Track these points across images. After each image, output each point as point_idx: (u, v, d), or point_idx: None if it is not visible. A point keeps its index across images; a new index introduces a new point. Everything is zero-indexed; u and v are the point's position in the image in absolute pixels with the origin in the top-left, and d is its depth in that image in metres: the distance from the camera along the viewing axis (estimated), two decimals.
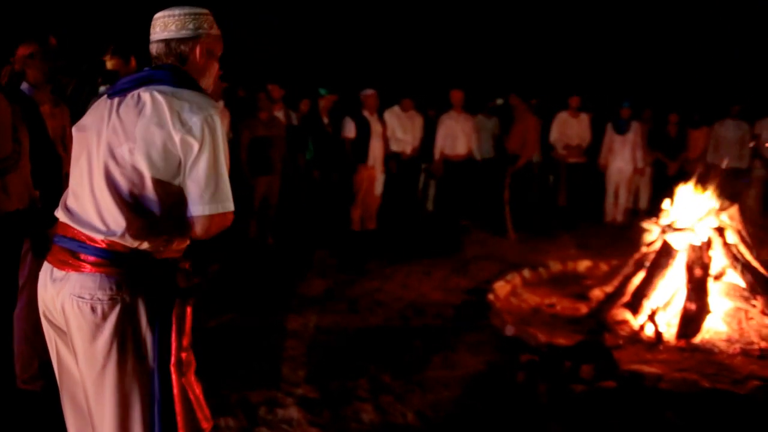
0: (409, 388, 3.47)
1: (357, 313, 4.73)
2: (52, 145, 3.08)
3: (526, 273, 5.76)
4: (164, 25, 1.91)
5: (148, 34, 1.98)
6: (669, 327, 4.38)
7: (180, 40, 1.92)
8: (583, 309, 4.96)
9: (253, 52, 10.75)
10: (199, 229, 1.82)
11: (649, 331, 4.36)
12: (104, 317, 1.76)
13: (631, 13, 12.78)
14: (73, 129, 1.97)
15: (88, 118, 1.93)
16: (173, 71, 1.89)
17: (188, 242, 1.95)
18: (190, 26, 1.92)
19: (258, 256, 6.30)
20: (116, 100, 1.86)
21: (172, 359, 1.83)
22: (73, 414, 1.99)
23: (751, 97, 8.98)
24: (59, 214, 1.89)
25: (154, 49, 1.94)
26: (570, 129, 8.55)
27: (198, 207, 1.79)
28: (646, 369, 3.72)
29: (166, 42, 1.92)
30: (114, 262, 1.78)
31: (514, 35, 12.96)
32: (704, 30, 12.26)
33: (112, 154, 1.79)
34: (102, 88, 3.75)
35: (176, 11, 1.91)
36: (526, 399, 3.40)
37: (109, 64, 3.75)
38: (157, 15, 1.93)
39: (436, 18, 12.88)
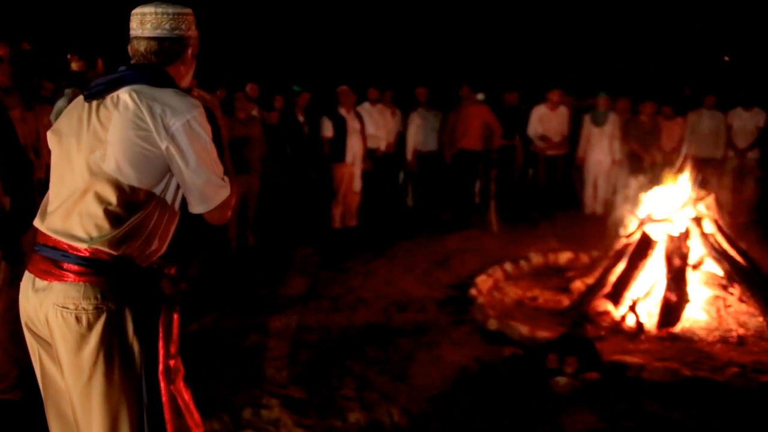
0: (394, 386, 3.47)
1: (340, 311, 4.71)
2: (23, 150, 3.00)
3: (508, 266, 5.78)
4: (157, 23, 1.84)
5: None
6: (650, 317, 4.43)
7: (173, 40, 1.87)
8: (565, 301, 5.00)
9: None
10: (208, 221, 1.89)
11: (630, 321, 4.41)
12: (90, 327, 1.73)
13: (607, 5, 12.89)
14: (48, 133, 1.90)
15: (64, 122, 1.87)
16: (154, 70, 1.84)
17: (166, 247, 1.92)
18: (183, 26, 1.88)
19: (238, 255, 6.25)
20: (94, 103, 1.81)
21: (160, 367, 1.81)
22: (58, 425, 1.95)
23: (725, 88, 9.08)
24: (38, 222, 1.83)
25: (142, 46, 1.85)
26: (548, 122, 8.58)
27: (197, 207, 1.84)
28: (629, 359, 3.76)
29: (159, 41, 1.85)
30: (98, 270, 1.75)
31: (488, 30, 13.00)
32: (678, 21, 12.41)
33: (93, 159, 1.74)
34: (67, 90, 3.65)
35: (169, 9, 1.84)
36: (511, 392, 3.42)
37: (74, 66, 3.65)
38: (145, 10, 1.84)
39: (410, 14, 12.87)
